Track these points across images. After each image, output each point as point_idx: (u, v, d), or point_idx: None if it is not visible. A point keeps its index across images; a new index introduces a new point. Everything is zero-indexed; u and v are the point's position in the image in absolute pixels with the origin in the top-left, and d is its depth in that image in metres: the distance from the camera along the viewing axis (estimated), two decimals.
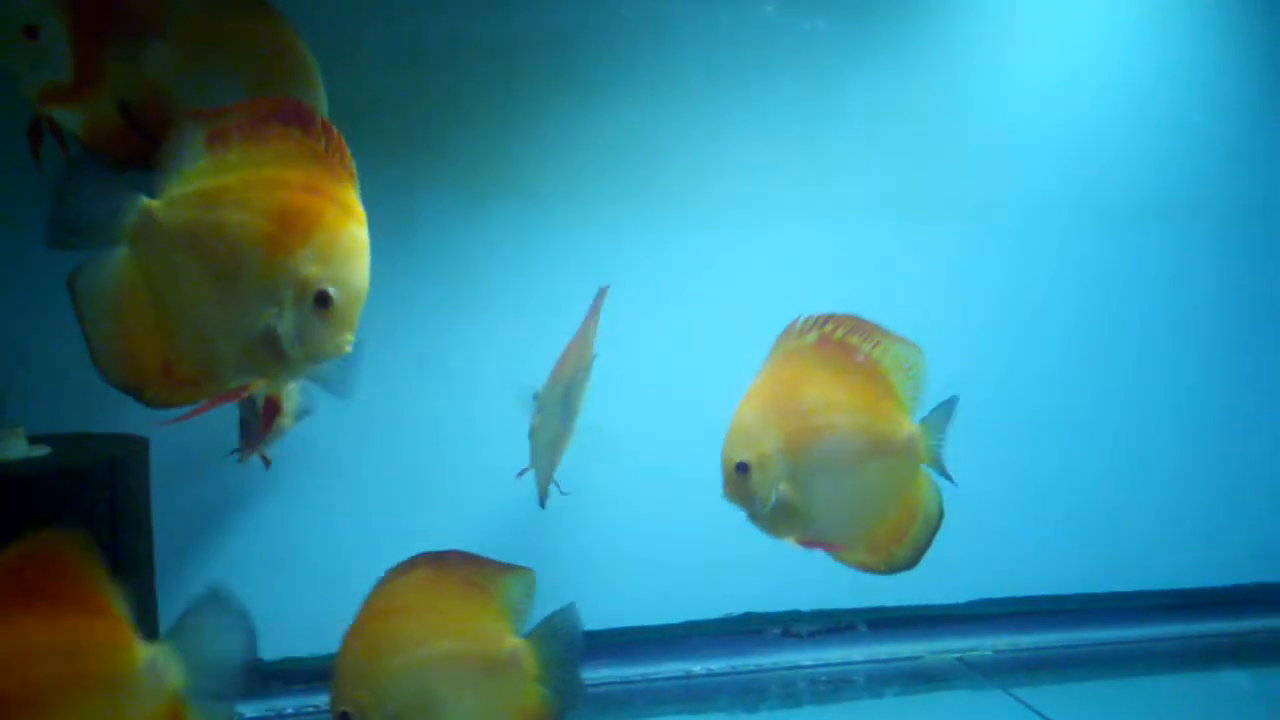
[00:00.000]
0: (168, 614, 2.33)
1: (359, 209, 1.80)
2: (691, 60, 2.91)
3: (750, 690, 2.91)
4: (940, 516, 2.16)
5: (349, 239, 1.77)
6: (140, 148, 2.35)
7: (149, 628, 1.66)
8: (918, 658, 3.08)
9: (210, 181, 1.78)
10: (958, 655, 3.09)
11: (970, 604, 3.15)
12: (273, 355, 1.75)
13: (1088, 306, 3.18)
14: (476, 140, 2.80)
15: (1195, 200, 3.23)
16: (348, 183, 1.79)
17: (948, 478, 2.15)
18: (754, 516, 2.10)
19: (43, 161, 2.26)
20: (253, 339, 1.75)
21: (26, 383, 2.48)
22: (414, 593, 1.95)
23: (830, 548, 2.15)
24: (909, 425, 2.13)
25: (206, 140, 1.79)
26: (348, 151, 1.80)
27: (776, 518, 2.09)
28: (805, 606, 3.06)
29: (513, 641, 1.98)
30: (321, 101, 2.31)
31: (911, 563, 2.17)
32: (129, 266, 1.77)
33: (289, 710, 2.78)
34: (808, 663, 3.03)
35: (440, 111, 2.78)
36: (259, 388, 1.83)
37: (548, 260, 2.86)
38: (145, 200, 1.76)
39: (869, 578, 2.99)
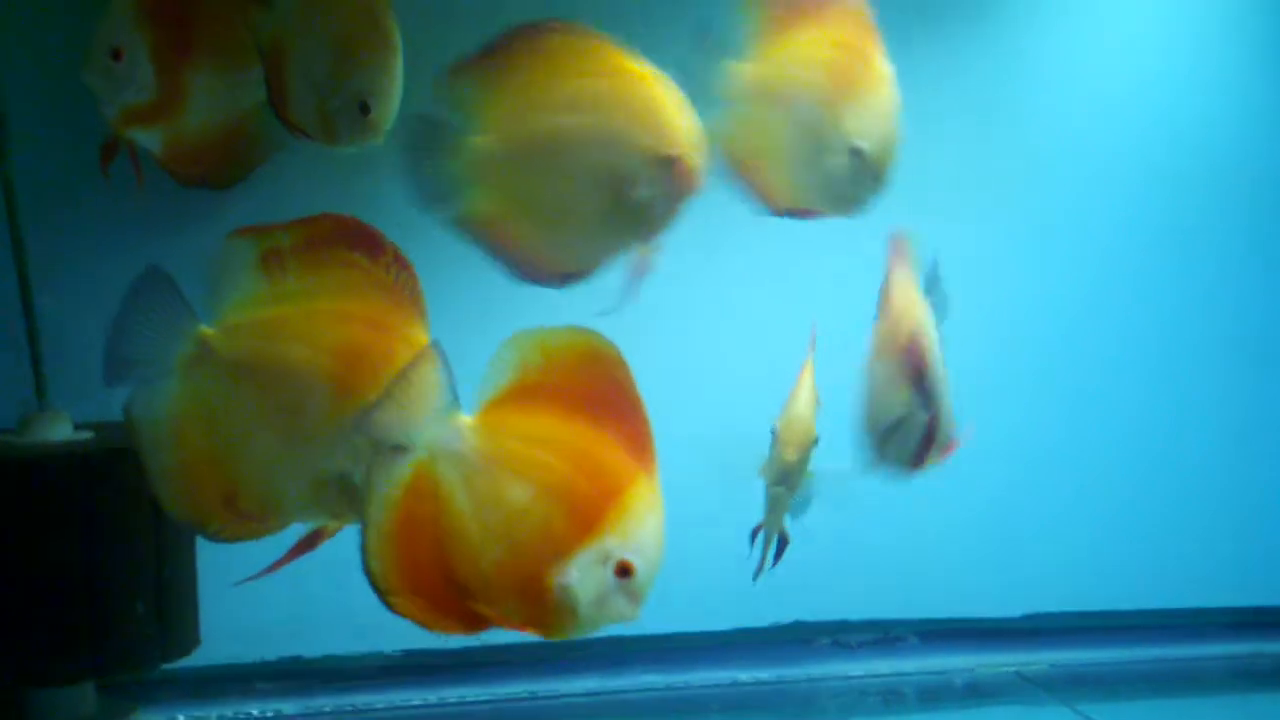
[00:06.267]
0: (209, 595, 2.33)
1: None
2: None
3: (798, 701, 2.85)
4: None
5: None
6: (212, 168, 2.43)
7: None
8: (970, 670, 3.00)
9: (269, 311, 1.73)
10: (1014, 669, 3.01)
11: (1025, 618, 3.07)
12: (345, 497, 1.71)
13: (1131, 313, 3.09)
14: None
15: None
16: (416, 319, 1.72)
17: None
18: (796, 480, 2.06)
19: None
20: (324, 479, 1.71)
21: (78, 376, 2.44)
22: None
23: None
24: None
25: (260, 261, 1.74)
26: (418, 284, 1.73)
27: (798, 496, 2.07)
28: (855, 616, 2.98)
29: None
30: (398, 73, 2.26)
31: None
32: (186, 396, 1.72)
33: (327, 709, 2.75)
34: (858, 673, 2.97)
35: None
36: (332, 529, 1.78)
37: None
38: (203, 329, 1.71)
39: (920, 588, 2.95)
